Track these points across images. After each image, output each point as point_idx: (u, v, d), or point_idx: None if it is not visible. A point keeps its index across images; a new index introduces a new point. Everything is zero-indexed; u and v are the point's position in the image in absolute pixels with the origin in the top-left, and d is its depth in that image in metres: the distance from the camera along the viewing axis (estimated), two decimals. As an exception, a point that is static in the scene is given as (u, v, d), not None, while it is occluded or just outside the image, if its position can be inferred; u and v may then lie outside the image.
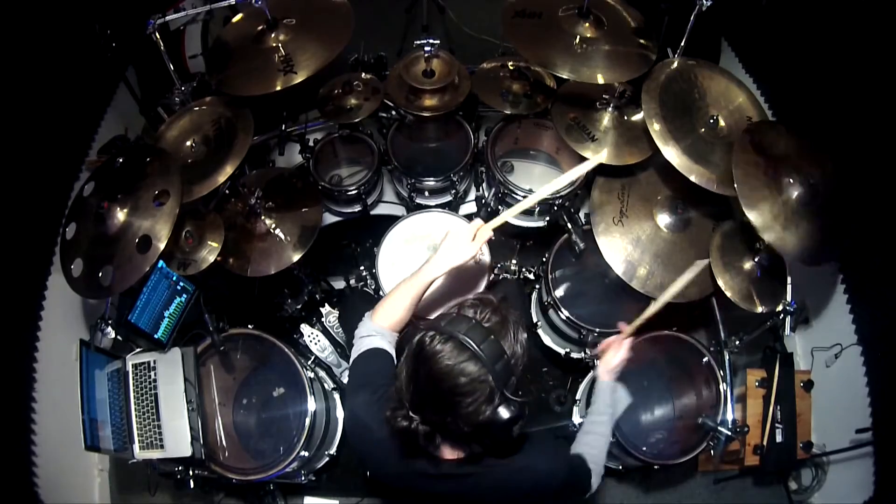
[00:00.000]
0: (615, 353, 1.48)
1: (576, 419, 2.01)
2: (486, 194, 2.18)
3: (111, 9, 2.18)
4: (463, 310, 1.05)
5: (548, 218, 2.10)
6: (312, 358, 2.12)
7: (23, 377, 1.88)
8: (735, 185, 1.65)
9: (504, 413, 0.97)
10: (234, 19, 1.98)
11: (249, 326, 1.84)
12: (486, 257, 1.86)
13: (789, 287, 1.78)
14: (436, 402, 0.99)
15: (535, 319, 2.14)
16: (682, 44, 1.86)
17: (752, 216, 1.62)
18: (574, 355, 2.07)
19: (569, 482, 1.21)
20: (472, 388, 0.95)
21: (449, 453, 1.11)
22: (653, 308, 1.50)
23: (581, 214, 2.13)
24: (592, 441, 1.38)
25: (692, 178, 1.72)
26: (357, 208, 2.16)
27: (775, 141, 1.76)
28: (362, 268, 2.17)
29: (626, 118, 1.96)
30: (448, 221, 2.00)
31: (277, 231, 1.91)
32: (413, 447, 1.06)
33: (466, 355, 0.95)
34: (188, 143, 1.88)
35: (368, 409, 1.15)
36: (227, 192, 1.94)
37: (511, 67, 2.10)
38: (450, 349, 0.96)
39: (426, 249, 1.93)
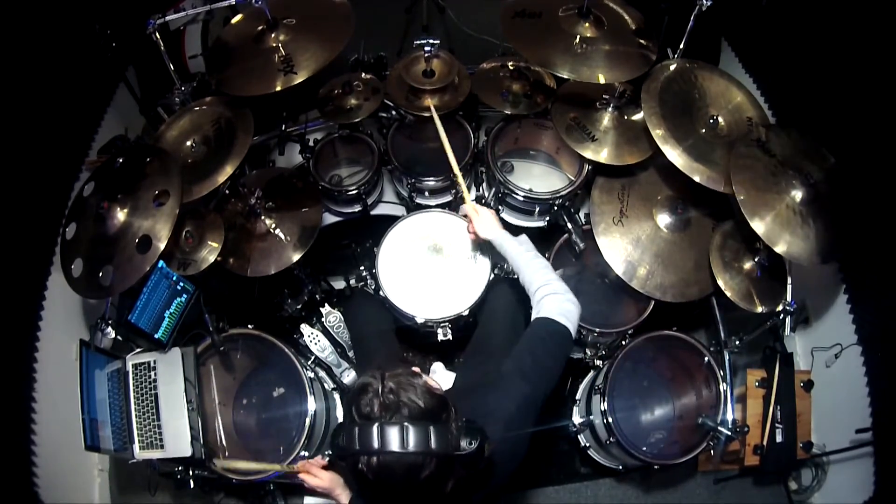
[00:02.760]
0: (477, 216, 1.55)
1: (576, 419, 2.01)
2: (486, 194, 2.18)
3: (111, 9, 2.18)
4: (360, 409, 0.97)
5: (548, 218, 2.10)
6: (312, 358, 2.11)
7: (23, 377, 1.87)
8: (737, 197, 1.65)
9: (467, 445, 0.98)
10: (234, 19, 1.98)
11: (249, 326, 1.83)
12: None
13: (789, 287, 1.78)
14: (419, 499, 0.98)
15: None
16: (682, 44, 1.86)
17: (756, 226, 1.63)
18: (574, 355, 2.07)
19: (544, 379, 1.23)
20: (428, 476, 0.94)
21: None
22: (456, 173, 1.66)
23: (581, 214, 2.13)
24: (542, 286, 1.39)
25: (696, 178, 1.72)
26: (357, 208, 2.16)
27: (771, 146, 1.76)
28: (362, 268, 2.16)
29: (626, 118, 1.96)
30: (448, 221, 2.00)
31: (277, 231, 1.91)
32: None
33: (395, 458, 0.92)
34: (188, 143, 1.88)
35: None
36: (227, 192, 1.94)
37: (511, 67, 2.10)
38: (393, 459, 0.92)
39: (426, 249, 1.93)
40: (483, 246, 1.94)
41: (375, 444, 0.92)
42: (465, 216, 1.65)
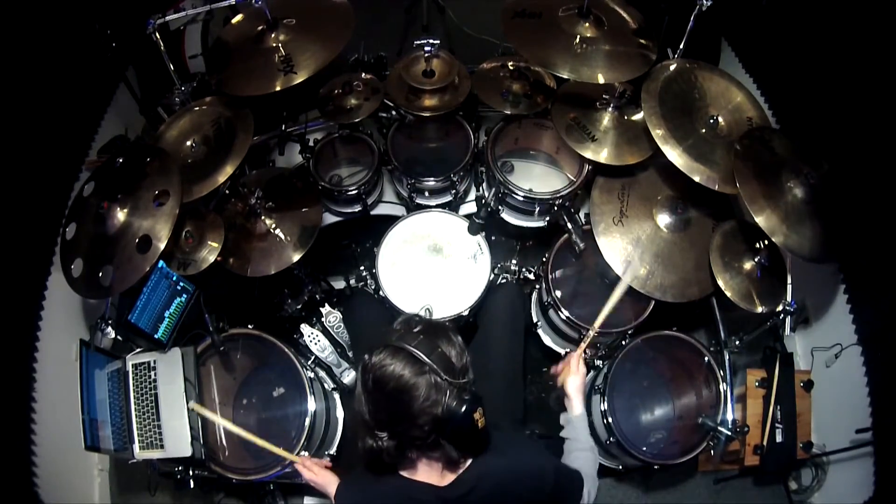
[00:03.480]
0: (575, 375, 1.48)
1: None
2: (486, 194, 2.18)
3: (111, 9, 2.18)
4: (393, 326, 1.12)
5: (548, 218, 2.10)
6: (312, 358, 2.12)
7: (23, 377, 1.88)
8: (739, 192, 1.65)
9: (457, 405, 1.02)
10: (234, 19, 1.98)
11: (249, 326, 1.83)
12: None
13: (789, 287, 1.78)
14: (391, 408, 1.05)
15: (535, 319, 2.14)
16: (682, 44, 1.86)
17: (760, 220, 1.63)
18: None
19: (560, 483, 1.22)
20: (416, 383, 1.01)
21: (425, 473, 1.12)
22: (592, 331, 1.56)
23: (581, 214, 2.13)
24: (579, 456, 1.39)
25: (696, 178, 1.72)
26: (357, 208, 2.16)
27: (772, 145, 1.77)
28: (362, 268, 2.17)
29: (626, 118, 1.96)
30: (448, 221, 2.00)
31: (277, 231, 1.91)
32: (381, 465, 1.11)
33: (402, 355, 1.02)
34: (188, 143, 1.88)
35: None
36: (227, 192, 1.94)
37: (511, 67, 2.10)
38: (385, 355, 1.03)
39: (426, 249, 1.93)
40: (483, 246, 1.94)
41: (392, 338, 1.04)
42: (565, 362, 1.54)
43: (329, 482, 1.42)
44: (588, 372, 1.50)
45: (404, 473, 1.14)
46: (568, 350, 2.08)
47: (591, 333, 1.56)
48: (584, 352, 1.53)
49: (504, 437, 1.20)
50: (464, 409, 1.03)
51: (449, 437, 1.06)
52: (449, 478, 1.13)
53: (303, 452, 1.70)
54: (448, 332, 1.10)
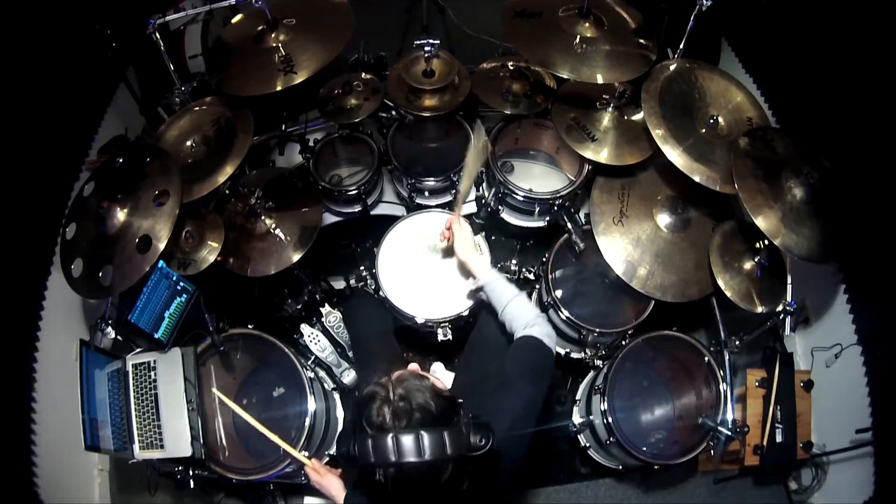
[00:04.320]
0: (460, 231, 1.51)
1: (576, 419, 2.01)
2: (486, 194, 2.18)
3: (111, 9, 2.18)
4: (372, 420, 0.97)
5: (548, 218, 2.10)
6: (312, 358, 2.12)
7: (23, 377, 1.88)
8: (738, 193, 1.66)
9: (482, 442, 1.00)
10: (234, 19, 1.98)
11: (249, 326, 1.83)
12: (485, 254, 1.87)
13: (789, 287, 1.78)
14: (437, 495, 0.99)
15: (535, 319, 2.13)
16: (682, 44, 1.86)
17: (759, 220, 1.63)
18: (574, 355, 2.07)
19: (539, 380, 1.28)
20: (441, 470, 0.96)
21: None
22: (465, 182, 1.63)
23: (581, 214, 2.13)
24: (521, 318, 1.42)
25: (696, 178, 1.72)
26: (357, 208, 2.16)
27: (773, 145, 1.77)
28: (362, 268, 2.17)
29: (626, 118, 1.96)
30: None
31: (277, 231, 1.91)
32: None
33: (427, 461, 0.93)
34: (188, 143, 1.88)
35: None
36: (227, 192, 1.94)
37: (511, 67, 2.10)
38: (413, 467, 0.93)
39: (426, 249, 1.93)
40: (482, 246, 1.94)
41: (392, 456, 0.92)
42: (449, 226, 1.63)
43: (335, 488, 1.42)
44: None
45: None
46: (568, 350, 2.08)
47: (461, 192, 1.64)
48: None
49: (491, 408, 1.21)
50: (485, 442, 1.00)
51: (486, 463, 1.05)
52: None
53: (303, 452, 1.70)
54: (424, 393, 0.98)
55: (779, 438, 1.93)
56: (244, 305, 2.10)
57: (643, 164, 1.92)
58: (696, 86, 1.87)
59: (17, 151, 1.94)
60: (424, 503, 1.00)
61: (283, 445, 1.50)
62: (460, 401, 1.05)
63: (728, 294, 1.75)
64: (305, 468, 1.49)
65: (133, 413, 1.68)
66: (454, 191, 2.11)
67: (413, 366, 1.17)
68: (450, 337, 1.84)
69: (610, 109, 1.96)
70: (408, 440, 0.92)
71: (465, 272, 1.52)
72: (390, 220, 2.00)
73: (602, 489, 2.16)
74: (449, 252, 1.93)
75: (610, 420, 1.75)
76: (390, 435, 0.92)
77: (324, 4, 1.90)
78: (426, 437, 0.92)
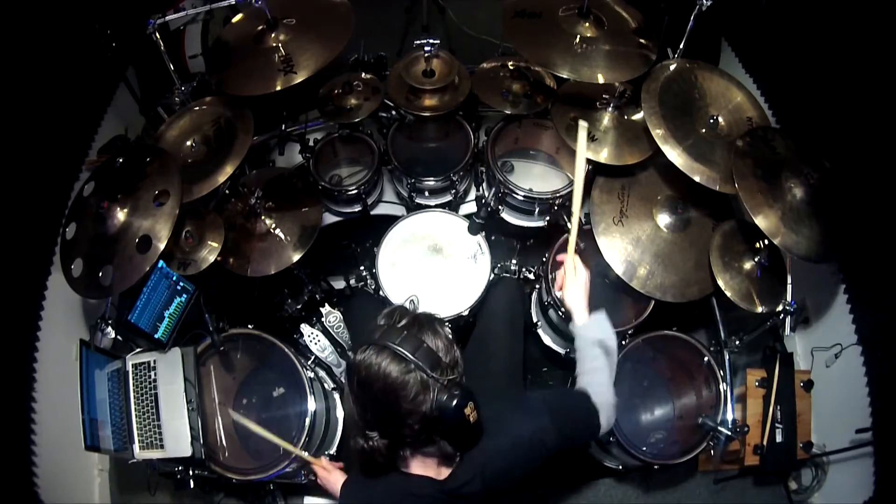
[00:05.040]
0: (573, 276, 1.40)
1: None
2: (486, 194, 2.18)
3: (111, 9, 2.18)
4: (376, 322, 1.08)
5: (548, 218, 2.10)
6: (312, 358, 2.12)
7: (23, 377, 1.88)
8: (739, 193, 1.66)
9: (447, 400, 1.00)
10: (234, 19, 1.98)
11: (249, 326, 1.84)
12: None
13: (789, 287, 1.78)
14: (378, 409, 1.03)
15: (535, 319, 2.13)
16: (682, 44, 1.86)
17: (759, 221, 1.63)
18: (574, 355, 2.06)
19: (565, 431, 1.18)
20: (403, 382, 0.98)
21: (420, 468, 1.11)
22: (574, 222, 1.46)
23: (581, 214, 2.13)
24: (592, 379, 1.32)
25: (696, 178, 1.72)
26: (357, 208, 2.16)
27: (773, 145, 1.77)
28: (362, 268, 2.17)
29: (626, 118, 1.96)
30: (448, 221, 2.00)
31: (277, 231, 1.91)
32: (374, 465, 1.09)
33: (386, 354, 0.99)
34: (188, 143, 1.88)
35: None
36: (227, 192, 1.94)
37: (511, 67, 2.10)
38: (370, 354, 1.00)
39: (426, 249, 1.93)
40: (483, 246, 1.94)
41: (375, 336, 1.01)
42: (561, 265, 1.47)
43: (339, 482, 1.43)
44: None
45: (402, 469, 1.13)
46: (568, 350, 2.08)
47: (575, 223, 1.44)
48: (578, 245, 1.42)
49: (494, 414, 1.16)
50: (454, 404, 1.00)
51: (441, 433, 1.05)
52: (446, 471, 1.12)
53: (305, 453, 1.70)
54: (434, 324, 1.07)
55: (779, 438, 1.93)
56: (244, 305, 2.10)
57: (643, 164, 1.92)
58: (696, 86, 1.87)
59: (17, 151, 1.94)
60: (380, 403, 1.01)
61: (292, 449, 1.53)
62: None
63: (728, 294, 1.75)
64: (313, 465, 1.51)
65: (133, 413, 1.68)
66: (565, 219, 1.89)
67: None
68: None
69: (610, 109, 1.96)
70: (392, 332, 1.01)
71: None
72: (390, 220, 2.00)
73: (602, 489, 2.16)
74: (449, 252, 1.93)
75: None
76: (387, 325, 1.04)
77: (324, 4, 1.90)
78: (408, 338, 1.00)
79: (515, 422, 1.18)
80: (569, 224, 1.48)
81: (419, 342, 1.01)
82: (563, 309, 1.47)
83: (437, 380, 1.00)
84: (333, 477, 1.46)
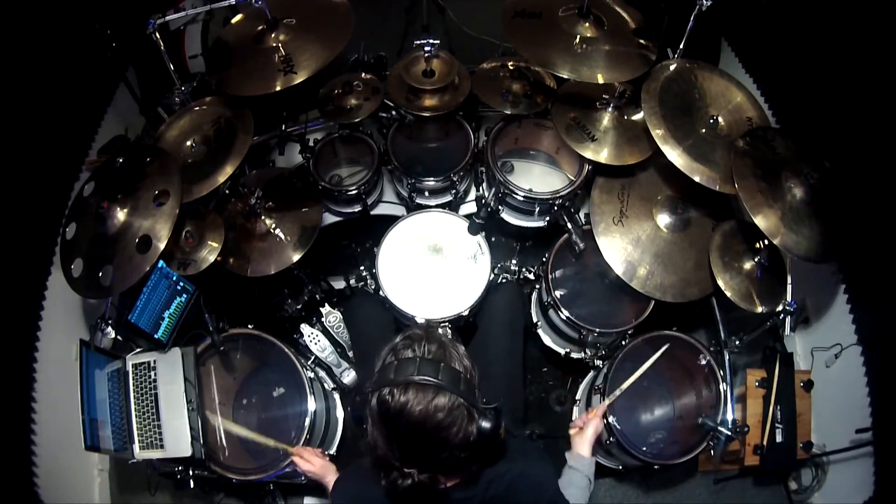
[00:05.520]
0: (594, 427, 1.46)
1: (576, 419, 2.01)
2: (486, 194, 2.18)
3: (111, 9, 2.18)
4: (399, 353, 1.04)
5: (548, 218, 2.10)
6: (312, 358, 2.12)
7: (23, 377, 1.88)
8: (739, 193, 1.66)
9: (487, 424, 1.00)
10: (234, 19, 1.98)
11: (249, 326, 1.84)
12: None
13: (789, 287, 1.78)
14: (426, 446, 1.00)
15: (535, 319, 2.14)
16: (682, 44, 1.86)
17: (759, 221, 1.63)
18: (574, 355, 2.07)
19: (558, 493, 1.21)
20: (453, 418, 0.97)
21: (447, 481, 1.11)
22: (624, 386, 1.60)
23: (581, 214, 2.13)
24: (573, 492, 1.34)
25: (696, 178, 1.72)
26: (357, 208, 2.16)
27: (773, 145, 1.77)
28: (362, 268, 2.17)
29: (626, 118, 1.96)
30: (448, 221, 2.00)
31: (277, 231, 1.91)
32: (422, 497, 1.06)
33: (432, 392, 0.96)
34: (188, 143, 1.88)
35: None
36: (227, 192, 1.94)
37: (511, 67, 2.10)
38: (414, 395, 0.96)
39: (426, 249, 1.93)
40: (483, 246, 1.94)
41: (413, 374, 0.96)
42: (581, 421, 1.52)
43: (326, 472, 1.42)
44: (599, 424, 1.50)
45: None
46: (568, 350, 2.08)
47: (609, 401, 1.63)
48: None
49: (514, 443, 1.18)
50: (493, 426, 1.01)
51: (479, 455, 1.05)
52: (454, 479, 1.12)
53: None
54: (457, 345, 1.06)
55: (779, 438, 1.93)
56: (244, 305, 2.10)
57: (643, 164, 1.92)
58: (696, 86, 1.87)
59: (17, 151, 1.94)
60: (417, 437, 0.99)
61: (262, 439, 1.53)
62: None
63: (728, 294, 1.75)
64: (293, 458, 1.50)
65: (133, 413, 1.68)
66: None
67: None
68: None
69: (610, 109, 1.96)
70: (429, 364, 0.98)
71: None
72: (390, 220, 2.00)
73: (602, 489, 2.16)
74: (449, 252, 1.93)
75: (610, 420, 1.75)
76: (412, 355, 1.00)
77: (324, 4, 1.90)
78: (444, 370, 0.97)
79: (530, 456, 1.21)
80: (605, 398, 1.68)
81: (456, 372, 1.00)
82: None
83: (479, 407, 1.00)
84: (318, 467, 1.45)
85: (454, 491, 1.11)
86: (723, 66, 2.34)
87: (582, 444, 1.44)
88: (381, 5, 2.99)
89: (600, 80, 1.76)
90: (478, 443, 1.00)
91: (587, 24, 1.82)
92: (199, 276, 1.75)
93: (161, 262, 1.61)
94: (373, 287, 2.07)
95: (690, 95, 1.85)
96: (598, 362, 2.01)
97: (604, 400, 1.64)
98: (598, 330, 1.87)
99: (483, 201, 2.17)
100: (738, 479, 2.12)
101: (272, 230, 1.91)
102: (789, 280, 1.79)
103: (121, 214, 1.62)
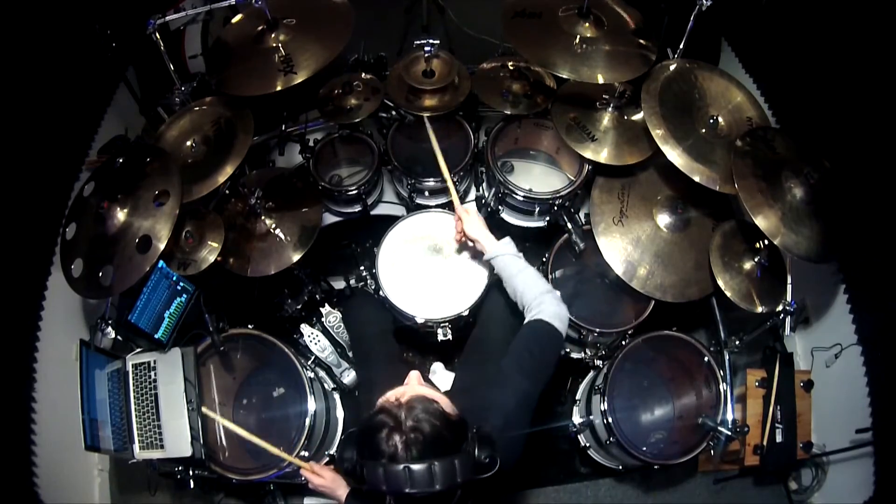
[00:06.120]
0: (466, 214, 1.55)
1: (576, 419, 2.01)
2: (486, 194, 2.18)
3: (111, 9, 2.18)
4: (382, 453, 0.96)
5: (548, 218, 2.10)
6: (312, 358, 2.12)
7: (23, 377, 1.88)
8: (738, 193, 1.66)
9: (486, 460, 0.99)
10: (234, 19, 1.98)
11: (249, 326, 1.84)
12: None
13: (789, 287, 1.78)
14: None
15: (535, 319, 2.13)
16: (682, 44, 1.86)
17: (759, 221, 1.63)
18: (574, 355, 2.07)
19: (539, 373, 1.26)
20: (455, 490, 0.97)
21: None
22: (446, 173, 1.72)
23: (581, 214, 2.13)
24: (524, 288, 1.41)
25: (696, 178, 1.72)
26: (357, 208, 2.16)
27: (773, 145, 1.77)
28: (362, 268, 2.17)
29: (626, 118, 1.96)
30: (448, 221, 2.00)
31: (277, 231, 1.91)
32: None
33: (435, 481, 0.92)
34: (188, 143, 1.88)
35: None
36: (227, 192, 1.94)
37: (511, 67, 2.10)
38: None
39: (426, 249, 1.93)
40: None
41: (405, 487, 0.91)
42: (457, 218, 1.63)
43: (338, 486, 1.42)
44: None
45: None
46: (568, 350, 2.08)
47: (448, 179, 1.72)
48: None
49: (484, 403, 1.21)
50: (495, 461, 1.00)
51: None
52: None
53: (303, 452, 1.70)
54: (431, 406, 0.99)
55: (779, 438, 1.93)
56: (244, 305, 2.10)
57: (643, 164, 1.92)
58: (696, 86, 1.87)
59: (17, 151, 1.94)
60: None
61: (278, 452, 1.51)
62: (465, 417, 1.05)
63: (728, 294, 1.75)
64: (304, 473, 1.49)
65: (133, 413, 1.68)
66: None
67: (413, 374, 1.13)
68: (450, 337, 1.84)
69: (610, 109, 1.96)
70: (420, 471, 0.91)
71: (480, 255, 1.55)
72: (390, 220, 1.99)
73: (602, 489, 2.16)
74: (449, 252, 1.93)
75: (610, 420, 1.75)
76: (402, 466, 0.92)
77: (324, 4, 1.90)
78: (438, 468, 0.92)
79: (501, 399, 1.22)
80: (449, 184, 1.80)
81: (448, 462, 0.94)
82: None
83: (474, 455, 0.99)
84: (329, 481, 1.45)
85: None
86: (723, 66, 2.34)
87: (481, 238, 1.52)
88: (381, 5, 3.00)
89: (600, 80, 1.76)
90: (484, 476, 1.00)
91: (587, 24, 1.82)
92: (199, 276, 1.75)
93: (161, 262, 1.61)
94: (373, 287, 2.07)
95: (690, 95, 1.85)
96: (598, 362, 2.01)
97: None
98: (598, 330, 1.87)
99: (483, 201, 2.17)
100: (738, 479, 2.12)
101: (272, 230, 1.91)
102: (789, 280, 1.79)
103: (121, 214, 1.62)
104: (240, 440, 1.89)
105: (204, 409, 1.65)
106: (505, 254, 1.50)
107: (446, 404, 1.04)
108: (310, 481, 1.48)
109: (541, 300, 1.38)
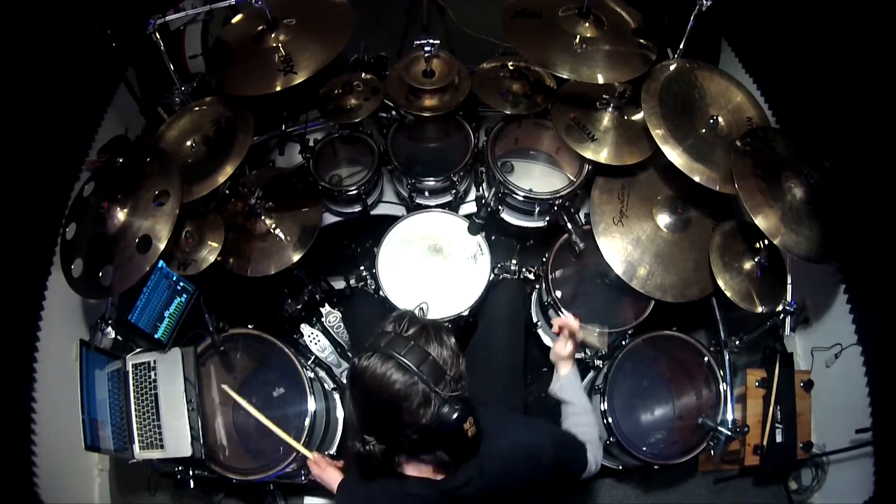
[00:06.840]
0: (572, 341, 1.52)
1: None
2: (486, 194, 2.18)
3: (111, 9, 2.18)
4: (383, 327, 1.08)
5: (548, 218, 2.10)
6: (312, 358, 2.12)
7: (23, 377, 1.88)
8: (739, 193, 1.66)
9: (446, 412, 1.00)
10: (234, 19, 1.99)
11: (249, 326, 1.83)
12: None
13: (789, 287, 1.78)
14: (378, 416, 1.04)
15: (535, 319, 2.14)
16: (682, 44, 1.86)
17: (759, 221, 1.63)
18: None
19: (560, 455, 1.22)
20: (406, 393, 0.98)
21: (414, 471, 1.11)
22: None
23: (581, 214, 2.13)
24: (578, 421, 1.38)
25: (696, 178, 1.72)
26: (357, 208, 2.16)
27: (773, 145, 1.77)
28: (362, 268, 2.17)
29: (626, 118, 1.96)
30: (448, 221, 2.00)
31: (277, 231, 1.91)
32: (370, 468, 1.10)
33: (391, 364, 0.99)
34: (188, 143, 1.88)
35: None
36: (227, 192, 1.94)
37: (511, 67, 2.10)
38: (375, 362, 1.00)
39: (426, 249, 1.93)
40: (483, 246, 1.94)
41: (381, 343, 1.01)
42: (560, 328, 1.55)
43: (335, 479, 1.43)
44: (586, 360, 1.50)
45: (398, 471, 1.13)
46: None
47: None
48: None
49: (496, 416, 1.18)
50: (454, 418, 1.00)
51: (439, 444, 1.05)
52: (442, 474, 1.12)
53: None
54: (442, 334, 1.07)
55: (779, 438, 1.93)
56: (244, 305, 2.10)
57: (643, 164, 1.92)
58: (696, 86, 1.87)
59: (17, 151, 1.94)
60: (379, 411, 1.03)
61: (285, 437, 1.53)
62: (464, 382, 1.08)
63: (728, 294, 1.75)
64: (308, 463, 1.51)
65: (133, 413, 1.68)
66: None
67: None
68: (450, 337, 1.84)
69: (610, 109, 1.96)
70: (399, 341, 1.01)
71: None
72: (390, 220, 2.00)
73: (602, 489, 2.16)
74: (449, 252, 1.93)
75: (610, 420, 1.75)
76: (392, 333, 1.04)
77: (324, 4, 1.90)
78: (413, 349, 1.00)
79: (517, 430, 1.21)
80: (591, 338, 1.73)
81: (425, 354, 1.01)
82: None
83: (440, 394, 1.00)
84: (327, 474, 1.47)
85: (446, 482, 1.11)
86: (723, 66, 2.34)
87: (564, 363, 1.49)
88: (381, 5, 2.99)
89: (600, 80, 1.76)
90: (436, 431, 1.01)
91: (587, 24, 1.82)
92: (199, 276, 1.75)
93: (161, 262, 1.61)
94: (373, 287, 2.07)
95: (690, 95, 1.85)
96: (598, 362, 2.01)
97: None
98: (598, 330, 1.87)
99: (483, 201, 2.17)
100: (738, 479, 2.12)
101: (272, 230, 1.91)
102: (789, 280, 1.79)
103: (121, 214, 1.63)
104: (240, 440, 1.89)
105: (224, 387, 1.66)
106: (572, 386, 1.48)
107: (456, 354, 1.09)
108: (312, 471, 1.51)
109: (589, 432, 1.36)
